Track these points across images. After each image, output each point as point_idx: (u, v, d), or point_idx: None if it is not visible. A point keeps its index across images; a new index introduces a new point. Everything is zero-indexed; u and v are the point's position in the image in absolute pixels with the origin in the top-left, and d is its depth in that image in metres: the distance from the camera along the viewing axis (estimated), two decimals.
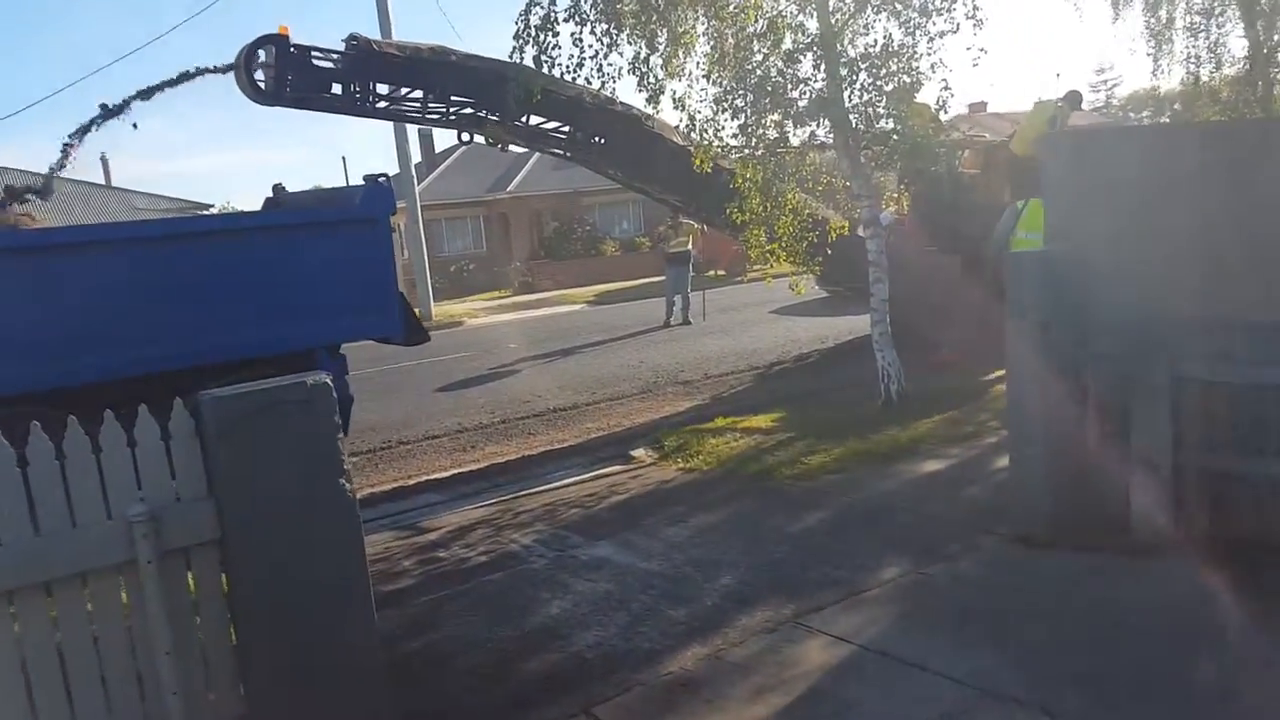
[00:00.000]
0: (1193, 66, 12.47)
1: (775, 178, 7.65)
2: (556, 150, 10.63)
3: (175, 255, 6.25)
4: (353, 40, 9.05)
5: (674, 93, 7.76)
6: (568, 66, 7.57)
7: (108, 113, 8.45)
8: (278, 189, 8.26)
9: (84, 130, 8.54)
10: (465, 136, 10.07)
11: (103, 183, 28.75)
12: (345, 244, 6.81)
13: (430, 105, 9.41)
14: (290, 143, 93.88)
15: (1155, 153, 4.40)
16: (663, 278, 16.65)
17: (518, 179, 33.68)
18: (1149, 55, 12.59)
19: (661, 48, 7.68)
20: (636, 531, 5.48)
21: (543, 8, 7.06)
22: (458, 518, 6.31)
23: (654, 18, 7.39)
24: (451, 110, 9.48)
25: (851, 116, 7.79)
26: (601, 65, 7.55)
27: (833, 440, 6.96)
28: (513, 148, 11.15)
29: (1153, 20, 12.54)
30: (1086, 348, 4.42)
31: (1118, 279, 4.37)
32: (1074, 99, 10.19)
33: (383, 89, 9.21)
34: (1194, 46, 12.43)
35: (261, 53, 8.35)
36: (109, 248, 6.18)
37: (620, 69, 7.78)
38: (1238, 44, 12.73)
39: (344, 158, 50.38)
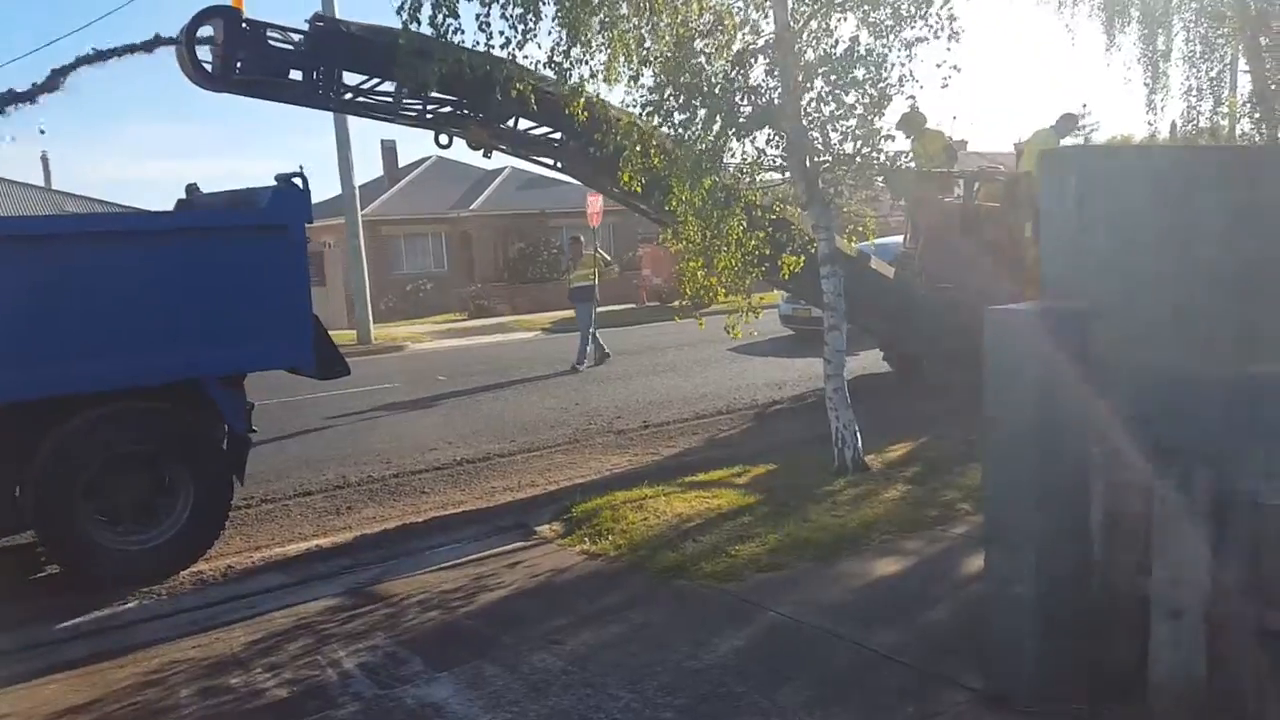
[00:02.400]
0: (1193, 100, 11.42)
1: (714, 203, 6.36)
2: (545, 159, 9.17)
3: (20, 261, 5.13)
4: (318, 20, 7.83)
5: (595, 94, 6.52)
6: None
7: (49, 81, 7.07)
8: (191, 189, 7.01)
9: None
10: (443, 139, 8.64)
11: (42, 184, 27.19)
12: (247, 255, 5.69)
13: (405, 101, 8.10)
14: (276, 152, 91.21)
15: (1199, 181, 3.18)
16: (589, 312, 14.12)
17: (483, 196, 32.46)
18: (1145, 85, 11.54)
19: (588, 38, 6.43)
20: (496, 657, 4.14)
21: None
22: (284, 616, 4.93)
23: (579, 2, 6.13)
24: (429, 107, 8.19)
25: (811, 132, 6.58)
26: (514, 56, 6.29)
27: (770, 521, 5.67)
28: (482, 161, 9.75)
29: (1149, 48, 11.51)
30: (1095, 447, 3.18)
31: (1142, 353, 3.14)
32: (1066, 123, 9.12)
33: (350, 79, 7.93)
34: (1193, 78, 11.39)
35: (209, 28, 7.05)
36: None
37: (537, 63, 6.54)
38: (1241, 79, 11.74)
39: (301, 167, 48.49)
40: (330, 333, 6.86)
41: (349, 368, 6.71)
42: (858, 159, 6.66)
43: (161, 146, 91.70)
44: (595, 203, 16.00)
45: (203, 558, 5.86)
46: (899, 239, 11.13)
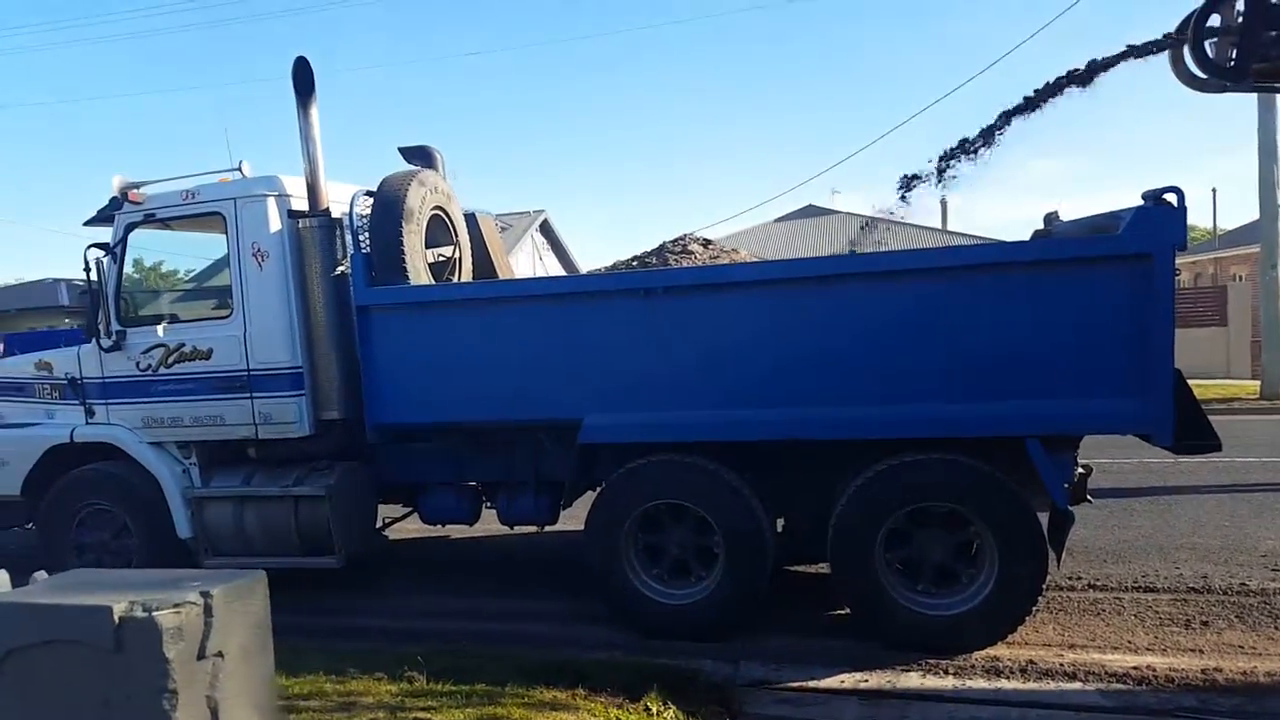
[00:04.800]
0: None
1: None
2: None
3: (834, 301, 5.13)
4: None
5: None
6: None
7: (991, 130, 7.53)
8: (1049, 218, 6.43)
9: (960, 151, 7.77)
10: None
11: (938, 226, 29.79)
12: (1096, 290, 4.79)
13: None
14: (1187, 178, 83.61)
15: None
16: None
17: None
18: None
19: None
20: None
21: None
22: None
23: None
24: None
25: None
26: None
27: None
28: None
29: None
30: None
31: None
32: None
33: None
34: None
35: (1215, 15, 6.42)
36: (755, 289, 5.34)
37: None
38: None
39: (1214, 190, 42.14)
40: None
41: (1219, 441, 5.01)
42: None
43: (1053, 183, 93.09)
44: None
45: (1003, 640, 5.02)
46: None
